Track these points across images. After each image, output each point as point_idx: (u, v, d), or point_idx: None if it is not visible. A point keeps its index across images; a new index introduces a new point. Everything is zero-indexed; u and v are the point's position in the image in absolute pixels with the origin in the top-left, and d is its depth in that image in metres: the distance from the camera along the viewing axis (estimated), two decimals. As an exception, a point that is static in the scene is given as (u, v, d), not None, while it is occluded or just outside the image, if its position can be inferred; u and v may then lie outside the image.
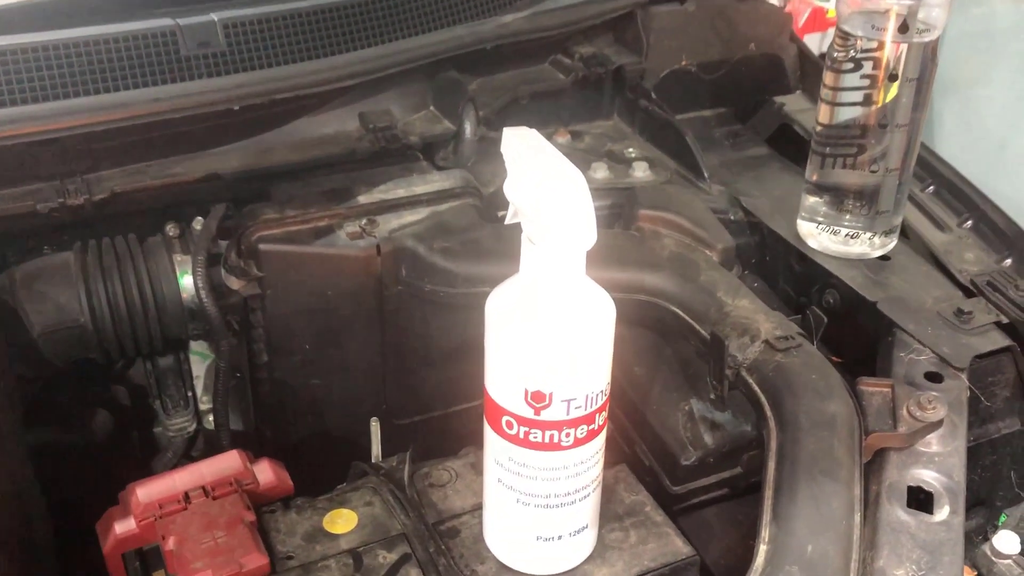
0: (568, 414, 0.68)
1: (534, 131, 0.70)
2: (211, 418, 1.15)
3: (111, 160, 1.04)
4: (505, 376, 0.69)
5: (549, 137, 1.23)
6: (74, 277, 0.98)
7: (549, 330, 0.67)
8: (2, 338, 0.92)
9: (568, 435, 0.69)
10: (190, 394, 1.16)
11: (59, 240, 1.04)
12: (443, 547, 0.77)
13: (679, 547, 0.78)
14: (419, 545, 0.77)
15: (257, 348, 1.03)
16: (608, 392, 0.71)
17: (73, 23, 0.98)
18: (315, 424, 1.08)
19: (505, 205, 1.10)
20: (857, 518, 0.73)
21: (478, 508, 0.81)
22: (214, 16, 1.02)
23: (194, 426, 1.17)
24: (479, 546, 0.78)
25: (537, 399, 0.68)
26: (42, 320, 0.97)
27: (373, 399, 1.06)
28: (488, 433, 0.73)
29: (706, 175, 1.17)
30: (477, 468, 0.85)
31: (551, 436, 0.69)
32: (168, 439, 1.16)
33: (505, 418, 0.70)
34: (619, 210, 1.09)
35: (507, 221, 0.69)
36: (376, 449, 0.89)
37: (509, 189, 0.68)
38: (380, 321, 1.02)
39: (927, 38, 0.94)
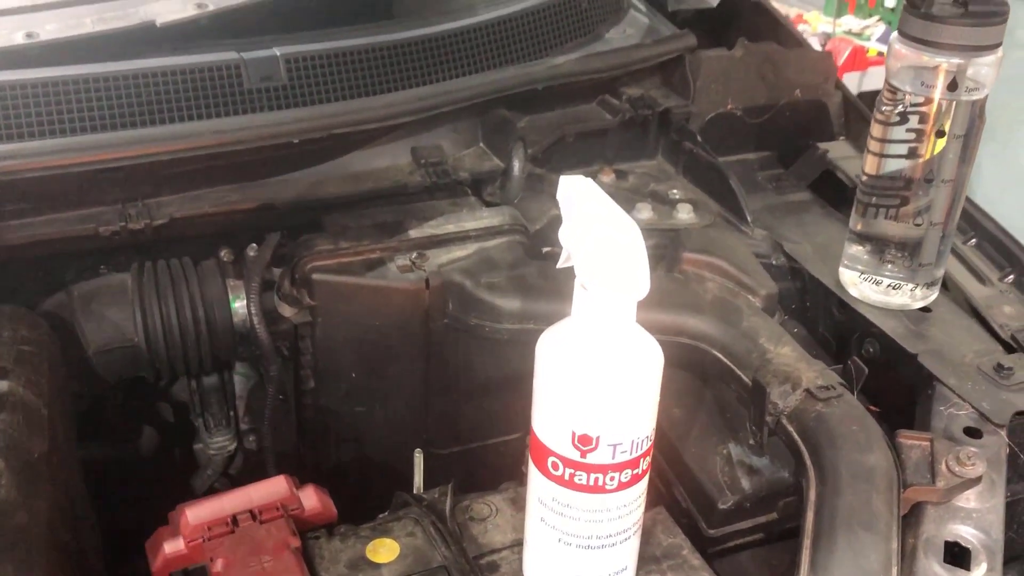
0: (614, 458, 0.70)
1: (590, 180, 0.72)
2: (252, 437, 1.17)
3: (171, 186, 1.07)
4: (553, 418, 0.70)
5: (593, 175, 1.26)
6: (130, 298, 1.01)
7: (599, 376, 0.68)
8: (61, 354, 0.95)
9: (612, 479, 0.70)
10: (232, 413, 1.18)
11: (115, 260, 1.06)
12: (484, 581, 0.79)
13: (715, 591, 0.79)
14: (460, 578, 0.79)
15: (304, 374, 1.05)
16: (653, 438, 0.72)
17: (141, 54, 1.01)
18: (356, 450, 1.10)
19: (550, 242, 1.12)
20: (895, 572, 0.74)
21: (517, 544, 0.82)
22: (276, 51, 1.05)
23: (234, 445, 1.19)
24: (519, 582, 0.80)
25: (584, 442, 0.69)
26: (97, 338, 1.00)
27: (414, 428, 1.08)
28: (533, 472, 0.74)
29: (749, 219, 1.18)
30: (517, 504, 0.86)
31: (596, 479, 0.70)
32: (208, 457, 1.18)
33: (551, 459, 0.71)
34: (663, 251, 1.11)
35: (559, 265, 0.71)
36: (418, 480, 0.91)
37: (564, 236, 0.70)
38: (425, 353, 1.04)
39: (975, 96, 0.95)
